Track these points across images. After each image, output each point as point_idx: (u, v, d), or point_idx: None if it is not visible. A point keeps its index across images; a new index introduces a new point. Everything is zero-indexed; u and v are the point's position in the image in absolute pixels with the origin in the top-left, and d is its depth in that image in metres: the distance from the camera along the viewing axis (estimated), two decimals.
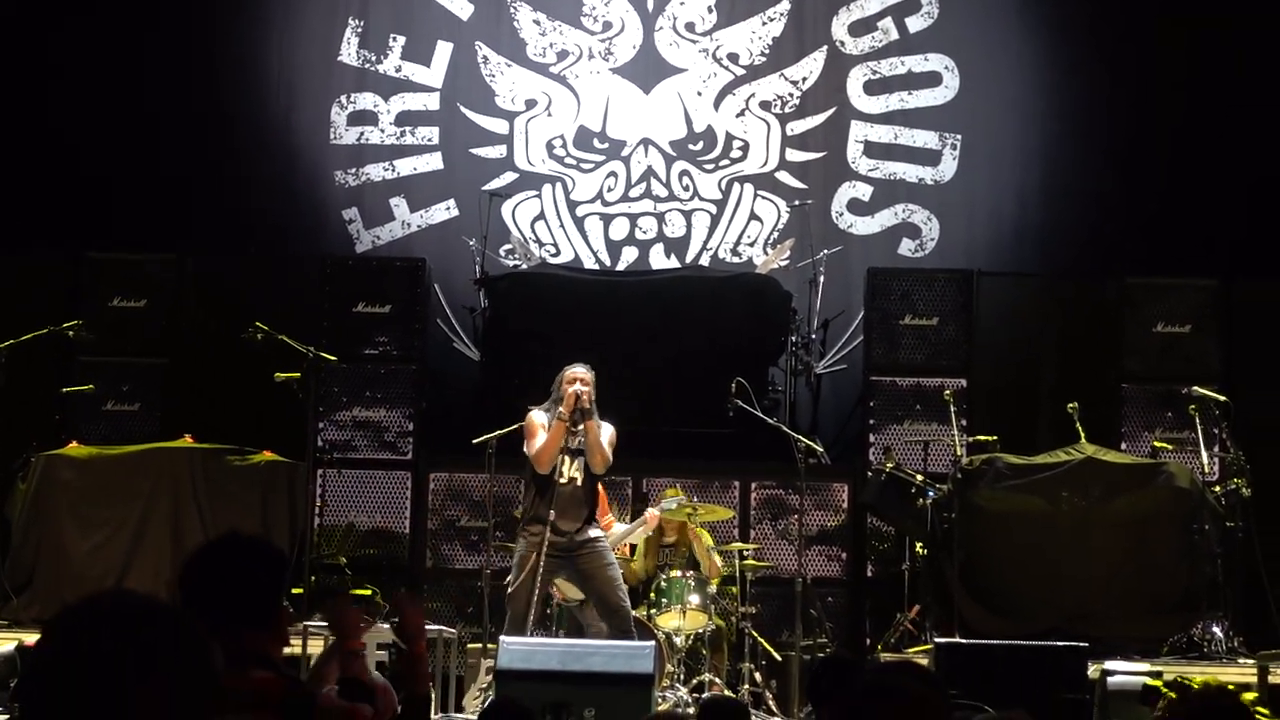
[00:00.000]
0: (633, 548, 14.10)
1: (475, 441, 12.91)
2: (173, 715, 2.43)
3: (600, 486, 12.68)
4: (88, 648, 2.45)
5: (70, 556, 13.99)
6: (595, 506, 12.02)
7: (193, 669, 2.47)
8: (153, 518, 14.06)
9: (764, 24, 16.89)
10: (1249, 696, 10.08)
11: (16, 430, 14.48)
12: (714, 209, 16.77)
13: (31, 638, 12.11)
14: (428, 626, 12.69)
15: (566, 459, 11.78)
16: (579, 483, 11.77)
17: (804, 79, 16.85)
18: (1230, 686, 8.93)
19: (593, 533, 11.85)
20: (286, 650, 12.25)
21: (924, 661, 11.84)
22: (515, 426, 12.59)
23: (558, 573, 11.94)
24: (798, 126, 16.84)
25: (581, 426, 11.75)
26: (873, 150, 16.76)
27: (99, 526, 14.11)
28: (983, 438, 14.43)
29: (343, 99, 16.90)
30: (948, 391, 14.67)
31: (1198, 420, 14.04)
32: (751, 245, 16.67)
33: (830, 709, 3.23)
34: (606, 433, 11.88)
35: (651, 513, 13.16)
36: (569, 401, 11.71)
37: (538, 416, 11.93)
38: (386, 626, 13.01)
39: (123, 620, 2.48)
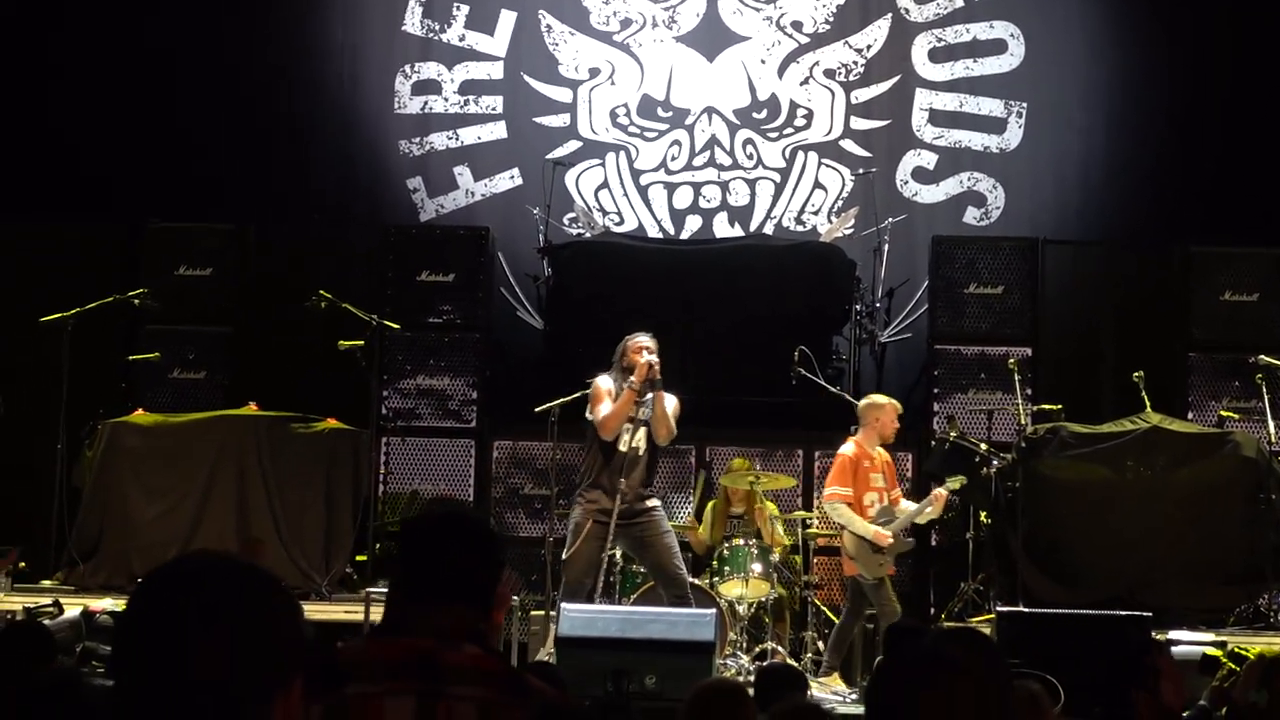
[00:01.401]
0: (698, 517, 14.11)
1: (538, 410, 12.93)
2: (236, 668, 2.44)
3: (881, 460, 12.75)
4: (152, 603, 2.48)
5: (136, 523, 14.09)
6: (652, 476, 12.02)
7: (260, 625, 2.49)
8: (217, 485, 14.15)
9: None
10: None
11: (83, 398, 14.57)
12: (778, 177, 16.73)
13: (98, 603, 12.24)
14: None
15: (630, 428, 11.78)
16: (640, 452, 11.79)
17: (868, 47, 16.78)
18: None
19: (650, 502, 11.87)
20: (348, 616, 12.36)
21: (986, 630, 11.82)
22: (579, 394, 12.61)
23: (616, 541, 11.96)
24: (862, 94, 16.77)
25: (650, 397, 11.76)
26: (938, 118, 16.69)
27: (164, 493, 14.20)
28: (1047, 406, 14.37)
29: (407, 68, 16.92)
30: (1012, 360, 14.60)
31: (1264, 389, 13.97)
32: (815, 214, 16.63)
33: (887, 677, 3.22)
34: (671, 404, 11.89)
35: (938, 492, 12.95)
36: (641, 371, 11.69)
37: (604, 382, 11.94)
38: None
39: (187, 577, 2.51)
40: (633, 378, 11.72)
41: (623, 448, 11.76)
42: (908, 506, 12.89)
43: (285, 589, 2.57)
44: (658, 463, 12.16)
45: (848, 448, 12.81)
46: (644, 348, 11.82)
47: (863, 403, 13.09)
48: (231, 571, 2.52)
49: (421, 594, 4.15)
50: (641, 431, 11.80)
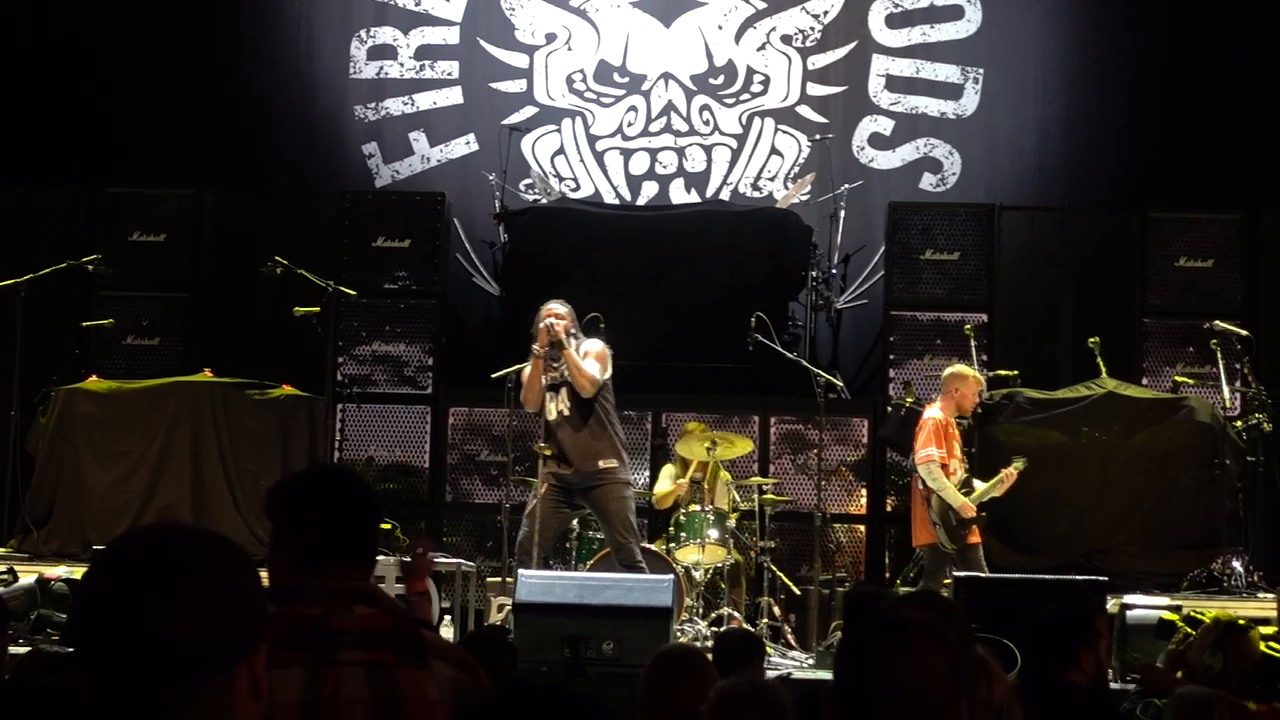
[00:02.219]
0: (653, 480, 14.13)
1: (495, 376, 12.92)
2: (206, 628, 2.42)
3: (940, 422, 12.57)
4: (120, 564, 2.45)
5: (91, 490, 14.05)
6: (600, 433, 11.93)
7: (228, 586, 2.46)
8: (173, 451, 14.11)
9: None
10: (1268, 630, 10.09)
11: (37, 364, 14.50)
12: (734, 143, 16.71)
13: (52, 570, 12.18)
14: (448, 560, 12.80)
15: (550, 395, 11.79)
16: (567, 414, 11.78)
17: (825, 12, 16.74)
18: (1241, 621, 8.96)
19: (602, 464, 11.83)
20: None
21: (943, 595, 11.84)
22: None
23: (571, 505, 11.97)
24: (819, 60, 16.75)
25: (559, 359, 11.75)
26: (894, 84, 16.68)
27: (119, 460, 14.16)
28: (1004, 372, 14.42)
29: (362, 33, 16.84)
30: (969, 326, 14.62)
31: (1219, 355, 14.01)
32: (772, 180, 16.62)
33: (857, 643, 3.20)
34: (593, 348, 11.87)
35: (1008, 471, 12.61)
36: (541, 337, 11.74)
37: (528, 367, 12.01)
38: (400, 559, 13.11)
39: (154, 540, 2.48)
40: (535, 346, 11.76)
41: (551, 416, 11.80)
42: (980, 483, 12.69)
43: (247, 555, 2.56)
44: (603, 418, 11.99)
45: (935, 412, 12.68)
46: (548, 314, 11.86)
47: (946, 370, 13.02)
48: (197, 535, 2.50)
49: (310, 559, 4.07)
50: (563, 392, 11.81)
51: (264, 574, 3.99)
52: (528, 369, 12.00)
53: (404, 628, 4.12)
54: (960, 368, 12.99)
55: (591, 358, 11.81)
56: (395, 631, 4.06)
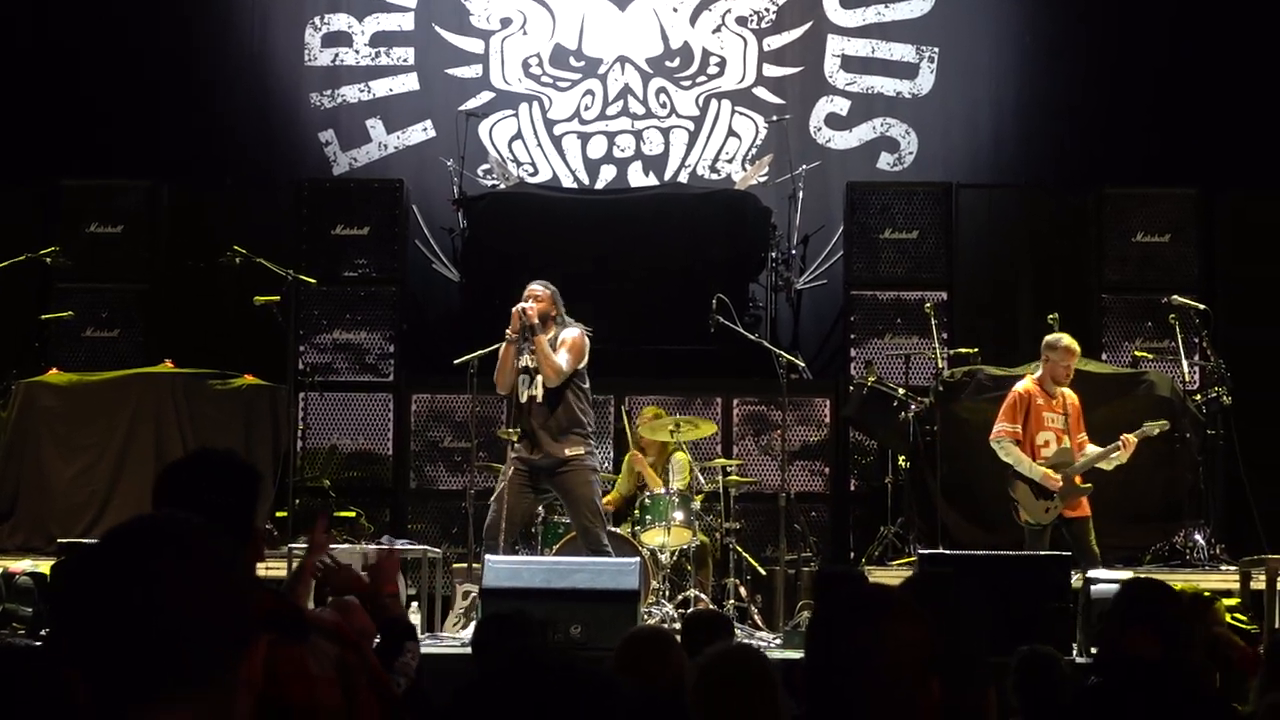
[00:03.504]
0: (618, 462, 14.14)
1: (457, 362, 12.88)
2: (219, 616, 2.43)
3: (1066, 401, 12.38)
4: (126, 555, 2.45)
5: (53, 483, 13.99)
6: (570, 420, 11.87)
7: (232, 575, 2.47)
8: (135, 443, 14.05)
9: None
10: (1231, 602, 10.17)
11: None
12: (692, 126, 16.72)
13: (17, 565, 12.14)
14: (414, 546, 12.80)
15: (523, 378, 11.74)
16: (539, 400, 11.72)
17: None
18: (1206, 593, 9.02)
19: (569, 451, 11.77)
20: (270, 571, 12.28)
21: (907, 573, 11.85)
22: (495, 347, 12.60)
23: (537, 489, 11.94)
24: (774, 41, 16.77)
25: (530, 343, 11.69)
26: (850, 64, 16.70)
27: (81, 453, 14.10)
28: (964, 350, 14.45)
29: (316, 20, 16.79)
30: (928, 304, 14.66)
31: (1178, 329, 14.07)
32: (730, 161, 16.63)
33: (818, 618, 3.21)
34: (569, 336, 11.81)
35: (1127, 437, 12.25)
36: (513, 320, 11.69)
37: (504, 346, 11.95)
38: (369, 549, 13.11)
39: (157, 530, 2.48)
40: (509, 330, 11.72)
41: (522, 399, 11.74)
42: (1092, 450, 12.42)
43: (234, 545, 2.56)
44: (573, 404, 11.87)
45: (1021, 384, 12.46)
46: (527, 295, 11.82)
47: (1044, 340, 12.84)
48: (197, 526, 2.51)
49: None
50: (538, 377, 11.75)
51: None
52: (501, 350, 11.91)
53: (284, 607, 4.16)
54: (1051, 336, 12.63)
55: (565, 348, 11.72)
56: (274, 611, 4.09)
